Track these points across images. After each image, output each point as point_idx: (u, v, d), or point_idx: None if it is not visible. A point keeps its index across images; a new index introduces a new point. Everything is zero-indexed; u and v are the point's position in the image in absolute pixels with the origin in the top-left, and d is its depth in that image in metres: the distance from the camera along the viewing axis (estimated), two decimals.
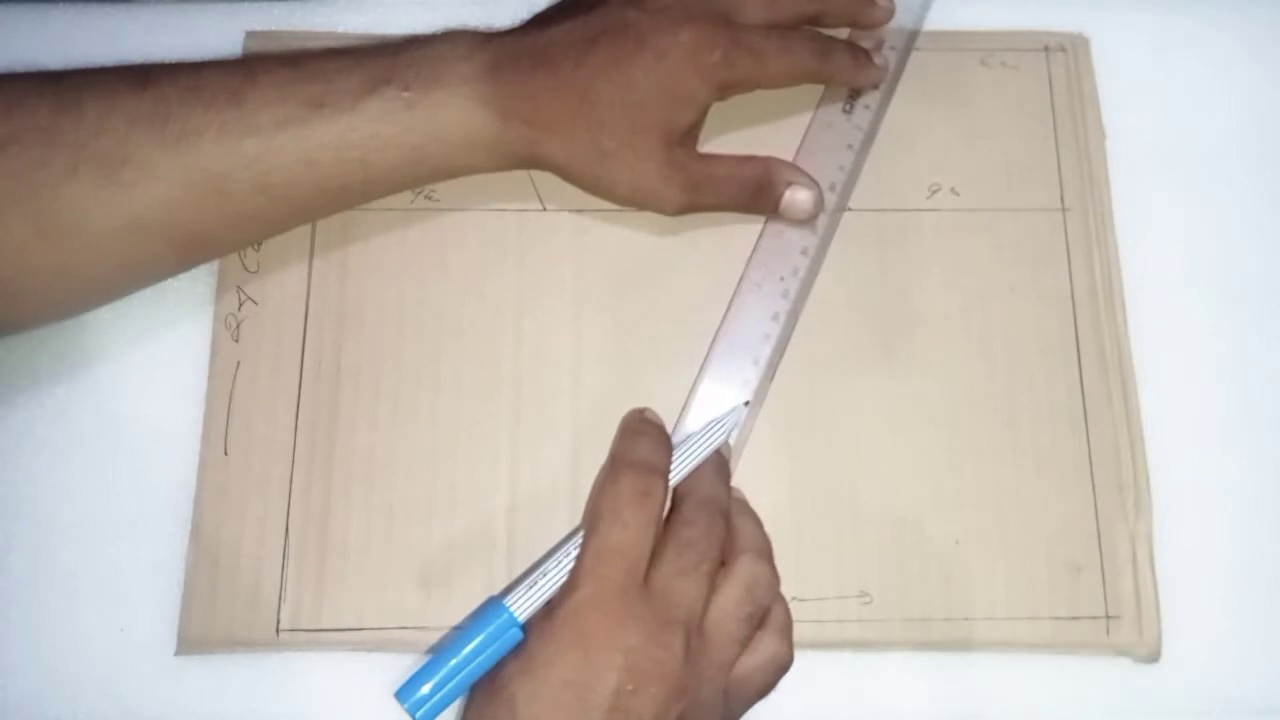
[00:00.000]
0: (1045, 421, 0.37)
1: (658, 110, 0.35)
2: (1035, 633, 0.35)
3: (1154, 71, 0.42)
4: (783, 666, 0.32)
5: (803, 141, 0.39)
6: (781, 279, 0.37)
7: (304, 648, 0.34)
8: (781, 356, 0.37)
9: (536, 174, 0.39)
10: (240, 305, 0.37)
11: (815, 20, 0.38)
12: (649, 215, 0.38)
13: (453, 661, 0.30)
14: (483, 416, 0.37)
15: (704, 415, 0.36)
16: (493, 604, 0.31)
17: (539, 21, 0.36)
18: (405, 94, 0.33)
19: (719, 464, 0.34)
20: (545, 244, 0.38)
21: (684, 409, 0.36)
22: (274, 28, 0.41)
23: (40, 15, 0.41)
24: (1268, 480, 0.37)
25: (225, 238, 0.36)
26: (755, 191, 0.37)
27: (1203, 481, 0.37)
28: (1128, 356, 0.38)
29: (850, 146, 0.39)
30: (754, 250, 0.38)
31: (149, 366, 0.37)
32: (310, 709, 0.34)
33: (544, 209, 0.39)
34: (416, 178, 0.36)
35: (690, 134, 0.36)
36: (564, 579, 0.31)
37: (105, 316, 0.37)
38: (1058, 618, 0.35)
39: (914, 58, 0.41)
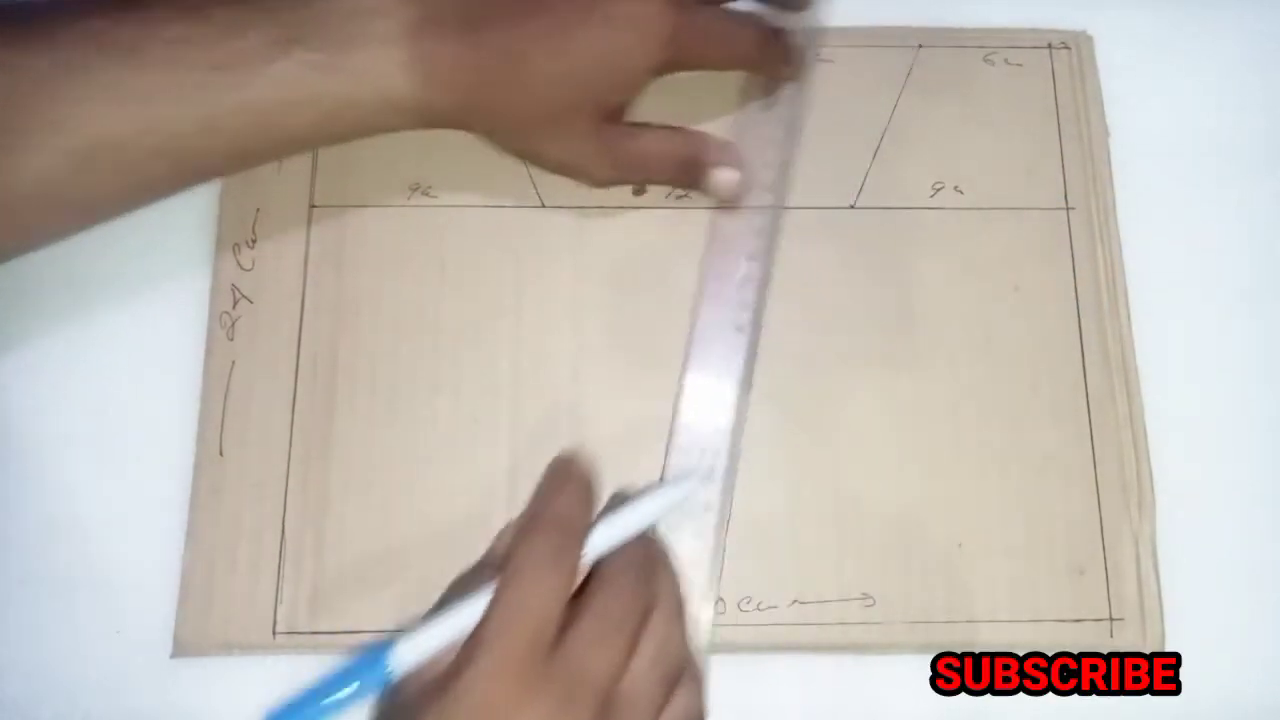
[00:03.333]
0: (1048, 422, 0.37)
1: (596, 85, 0.33)
2: (1039, 635, 0.35)
3: (1158, 69, 0.41)
4: None
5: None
6: (738, 288, 0.37)
7: (301, 650, 0.34)
8: (754, 366, 0.36)
9: (536, 171, 0.38)
10: (235, 303, 0.37)
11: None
12: (650, 213, 0.38)
13: (320, 701, 0.28)
14: (481, 416, 0.36)
15: (688, 444, 0.35)
16: (374, 649, 0.28)
17: None
18: (316, 56, 0.31)
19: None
20: (544, 241, 0.38)
21: (669, 444, 0.35)
22: None
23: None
24: (1272, 480, 0.37)
25: (128, 202, 0.33)
26: (683, 168, 0.36)
27: (1207, 482, 0.37)
28: (1131, 355, 0.37)
29: (777, 142, 0.38)
30: (703, 263, 0.37)
31: (143, 366, 0.37)
32: None
33: (543, 206, 0.38)
34: (330, 140, 0.33)
35: (624, 109, 0.35)
36: (462, 635, 0.28)
37: (100, 315, 0.37)
38: (1061, 620, 0.35)
39: (917, 55, 0.41)
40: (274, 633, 0.34)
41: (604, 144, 0.35)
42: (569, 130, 0.34)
